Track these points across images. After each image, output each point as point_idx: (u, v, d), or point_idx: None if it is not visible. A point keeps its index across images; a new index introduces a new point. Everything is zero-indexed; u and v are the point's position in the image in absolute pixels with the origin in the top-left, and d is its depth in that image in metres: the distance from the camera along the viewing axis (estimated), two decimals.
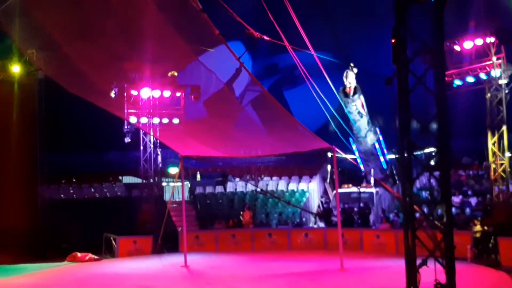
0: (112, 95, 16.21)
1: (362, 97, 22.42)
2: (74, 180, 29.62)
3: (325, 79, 14.91)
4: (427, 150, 9.69)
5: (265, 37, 11.17)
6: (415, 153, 9.16)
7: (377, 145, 25.00)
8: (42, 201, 22.62)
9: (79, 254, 19.91)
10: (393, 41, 8.59)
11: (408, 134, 8.87)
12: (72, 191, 27.83)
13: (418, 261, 8.59)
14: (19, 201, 20.85)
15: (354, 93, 21.80)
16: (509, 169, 19.15)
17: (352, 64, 22.13)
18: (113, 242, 21.12)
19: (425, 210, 12.77)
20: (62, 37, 14.29)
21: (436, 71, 8.82)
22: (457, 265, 8.36)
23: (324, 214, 24.19)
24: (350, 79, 21.17)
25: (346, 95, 21.89)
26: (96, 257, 20.16)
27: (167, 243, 22.18)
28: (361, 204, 24.08)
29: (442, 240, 8.48)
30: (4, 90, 20.25)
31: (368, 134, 24.21)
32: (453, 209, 19.65)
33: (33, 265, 18.86)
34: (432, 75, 8.94)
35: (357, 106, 22.80)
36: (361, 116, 23.79)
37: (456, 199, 22.08)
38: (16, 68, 20.61)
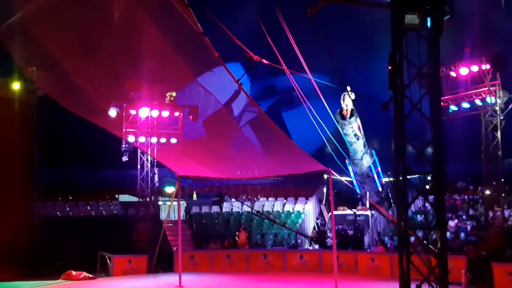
0: (113, 114, 16.32)
1: (358, 120, 22.61)
2: (70, 198, 29.59)
3: (322, 100, 15.07)
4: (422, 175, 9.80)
5: (264, 61, 11.32)
6: (410, 177, 9.27)
7: (373, 168, 25.12)
8: (38, 217, 22.62)
9: (73, 273, 19.86)
10: (389, 67, 8.77)
11: (404, 159, 9.00)
12: (68, 209, 27.79)
13: (413, 286, 8.66)
14: (15, 217, 20.82)
15: (351, 115, 22.02)
16: (503, 194, 19.26)
17: (349, 88, 22.38)
18: (108, 261, 21.07)
19: (420, 234, 12.84)
20: (62, 56, 14.44)
21: (432, 97, 8.98)
22: None
23: (318, 238, 24.15)
24: (347, 101, 21.41)
25: (343, 117, 22.11)
26: (90, 275, 20.10)
27: (162, 263, 22.13)
28: (353, 228, 24.05)
29: (437, 265, 8.56)
30: (4, 107, 20.35)
31: (364, 157, 24.32)
32: (448, 234, 19.73)
33: (28, 283, 18.79)
34: (428, 100, 9.11)
35: (353, 129, 22.96)
36: (358, 139, 23.94)
37: (452, 223, 22.15)
38: (16, 86, 20.79)
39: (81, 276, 19.79)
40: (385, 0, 9.19)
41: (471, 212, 23.74)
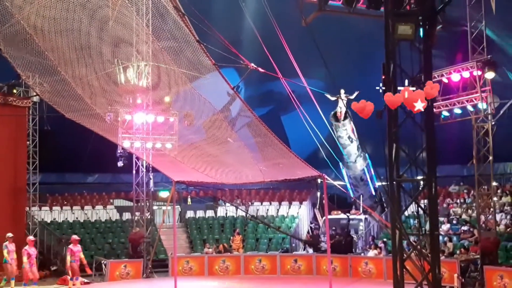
0: (109, 119, 16.41)
1: (352, 123, 22.84)
2: (65, 202, 29.61)
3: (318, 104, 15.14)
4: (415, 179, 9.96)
5: (260, 69, 11.43)
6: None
7: (366, 171, 25.31)
8: (33, 222, 22.66)
9: (69, 278, 19.88)
10: (383, 77, 8.94)
11: (397, 166, 9.17)
12: (63, 213, 27.82)
13: None
14: (10, 222, 20.79)
15: (345, 117, 22.30)
16: (495, 198, 19.42)
17: (343, 91, 22.57)
18: (103, 266, 21.11)
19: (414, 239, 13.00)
20: (59, 62, 14.56)
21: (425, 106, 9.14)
22: None
23: (312, 241, 24.22)
24: (341, 104, 21.73)
25: (337, 119, 22.41)
26: (86, 280, 20.12)
27: (157, 267, 22.23)
28: (344, 231, 24.15)
29: (430, 270, 8.73)
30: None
31: (357, 160, 24.53)
32: (441, 238, 19.91)
33: None
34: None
35: (347, 131, 23.20)
36: (351, 141, 24.17)
37: (444, 227, 22.35)
38: (11, 91, 21.05)
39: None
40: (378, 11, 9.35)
41: (463, 216, 23.95)
